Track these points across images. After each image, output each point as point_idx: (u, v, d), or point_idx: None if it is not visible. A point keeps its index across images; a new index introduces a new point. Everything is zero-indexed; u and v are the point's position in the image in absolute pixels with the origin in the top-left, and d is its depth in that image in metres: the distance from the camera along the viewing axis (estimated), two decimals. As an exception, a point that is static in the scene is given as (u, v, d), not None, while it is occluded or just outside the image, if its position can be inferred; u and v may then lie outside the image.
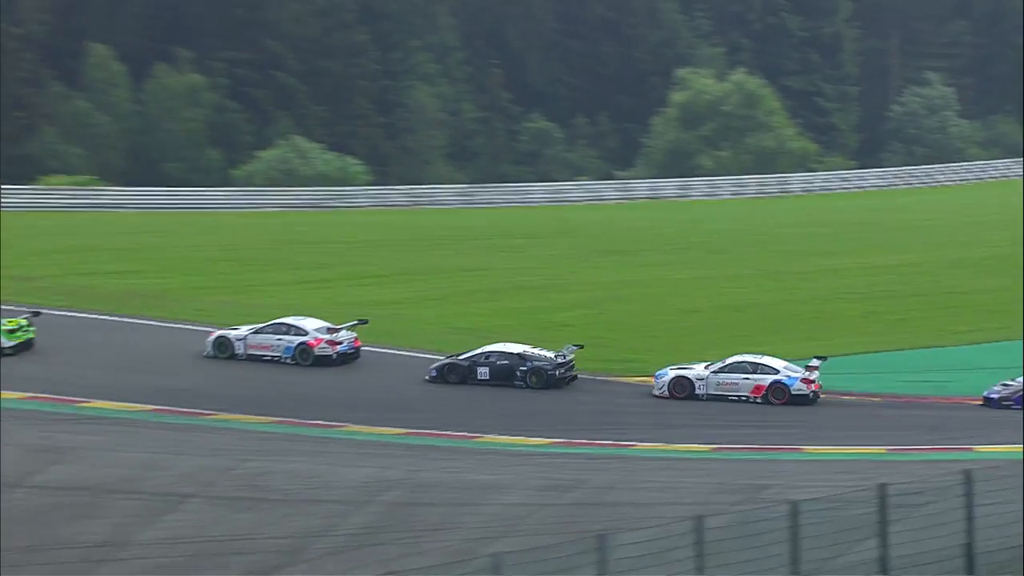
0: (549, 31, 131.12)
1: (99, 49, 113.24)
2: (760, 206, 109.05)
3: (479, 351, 59.06)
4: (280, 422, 52.44)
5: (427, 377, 58.67)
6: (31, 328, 59.68)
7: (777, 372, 57.63)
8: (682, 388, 57.69)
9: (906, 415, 54.82)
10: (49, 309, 64.73)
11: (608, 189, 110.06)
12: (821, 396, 57.47)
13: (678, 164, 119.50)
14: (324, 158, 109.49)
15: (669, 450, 50.41)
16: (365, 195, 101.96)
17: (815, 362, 57.92)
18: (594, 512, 42.03)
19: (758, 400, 57.24)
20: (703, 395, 57.61)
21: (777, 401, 57.07)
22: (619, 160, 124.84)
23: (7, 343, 59.07)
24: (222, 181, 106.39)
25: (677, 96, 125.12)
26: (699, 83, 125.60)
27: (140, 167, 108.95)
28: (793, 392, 57.16)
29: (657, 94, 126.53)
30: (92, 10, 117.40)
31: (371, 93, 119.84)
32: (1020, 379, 56.74)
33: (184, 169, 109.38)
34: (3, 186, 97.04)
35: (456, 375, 58.61)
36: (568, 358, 58.92)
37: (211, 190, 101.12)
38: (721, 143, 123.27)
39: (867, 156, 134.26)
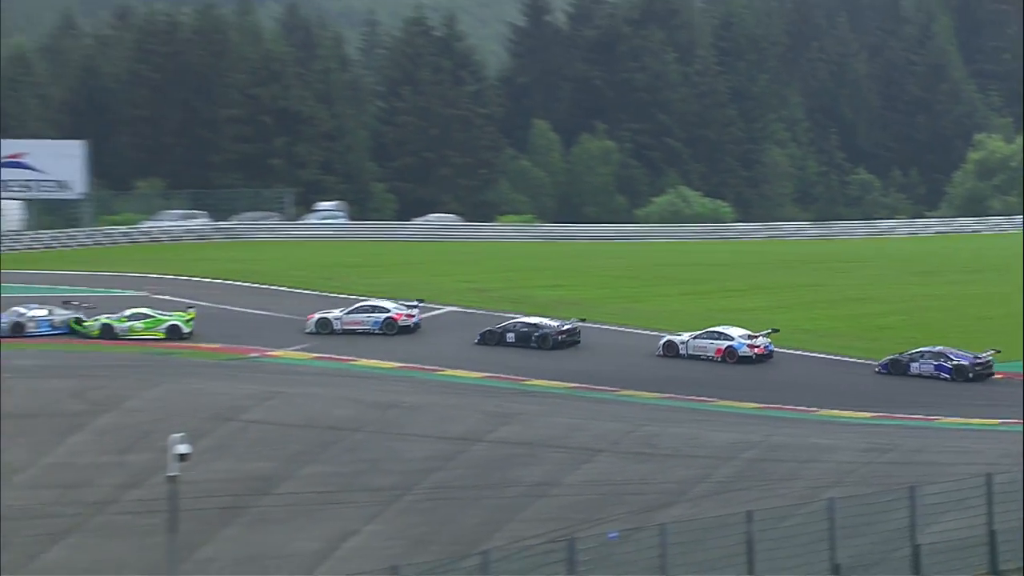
0: (875, 107, 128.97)
1: (540, 124, 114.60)
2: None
3: (508, 322, 60.13)
4: (666, 397, 52.24)
5: (475, 341, 59.50)
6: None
7: (732, 339, 57.80)
8: (671, 349, 58.31)
9: None
10: (496, 312, 65.36)
11: (917, 226, 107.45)
12: (771, 358, 57.66)
13: (973, 207, 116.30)
14: (701, 202, 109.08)
15: (966, 423, 48.94)
16: (732, 230, 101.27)
17: (765, 332, 58.37)
18: (906, 469, 40.98)
19: (718, 360, 57.43)
20: (685, 355, 57.91)
21: (730, 360, 57.30)
22: (926, 203, 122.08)
23: (186, 330, 59.76)
24: (627, 220, 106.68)
25: (974, 155, 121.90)
26: (992, 145, 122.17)
27: (567, 209, 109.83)
28: (740, 354, 57.41)
29: (958, 153, 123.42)
30: (536, 96, 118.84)
31: (737, 154, 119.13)
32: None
33: (599, 211, 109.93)
34: (471, 222, 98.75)
35: (493, 339, 59.31)
36: (567, 327, 59.50)
37: (618, 226, 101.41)
38: (1009, 190, 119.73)
39: None
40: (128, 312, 60.87)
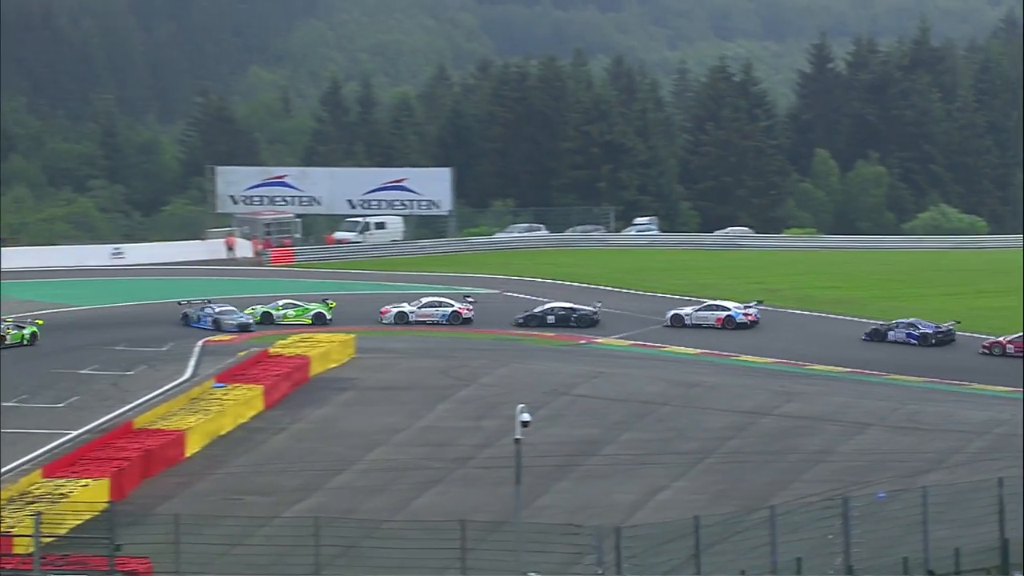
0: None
1: (822, 153, 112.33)
2: None
3: (547, 306, 59.66)
4: (928, 380, 50.66)
5: (515, 323, 58.98)
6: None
7: (729, 310, 59.41)
8: (678, 320, 59.32)
9: None
10: (782, 308, 64.27)
11: None
12: (758, 324, 59.01)
13: None
14: (959, 217, 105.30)
15: None
16: (987, 241, 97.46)
17: (753, 303, 60.31)
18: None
19: (719, 327, 58.41)
20: (690, 324, 58.91)
21: (728, 327, 58.42)
22: None
23: (328, 317, 59.05)
24: (894, 232, 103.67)
25: None
26: None
27: (843, 224, 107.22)
28: (737, 321, 58.82)
29: None
30: (818, 130, 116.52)
31: (992, 177, 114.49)
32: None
33: (870, 225, 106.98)
34: (762, 234, 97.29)
35: (535, 321, 58.73)
36: (596, 309, 59.83)
37: (887, 238, 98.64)
38: None
39: None
40: (282, 302, 60.69)
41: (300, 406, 45.67)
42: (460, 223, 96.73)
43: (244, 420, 44.05)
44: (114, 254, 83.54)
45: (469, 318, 60.61)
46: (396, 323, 60.12)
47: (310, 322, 59.52)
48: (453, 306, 60.98)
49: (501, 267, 79.69)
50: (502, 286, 71.98)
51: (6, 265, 77.69)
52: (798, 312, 64.49)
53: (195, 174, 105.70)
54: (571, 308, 60.39)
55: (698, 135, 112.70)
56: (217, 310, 58.84)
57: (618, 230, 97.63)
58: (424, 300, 61.73)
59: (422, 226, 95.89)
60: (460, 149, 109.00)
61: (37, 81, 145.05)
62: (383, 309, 61.20)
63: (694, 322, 59.28)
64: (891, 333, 56.71)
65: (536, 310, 60.44)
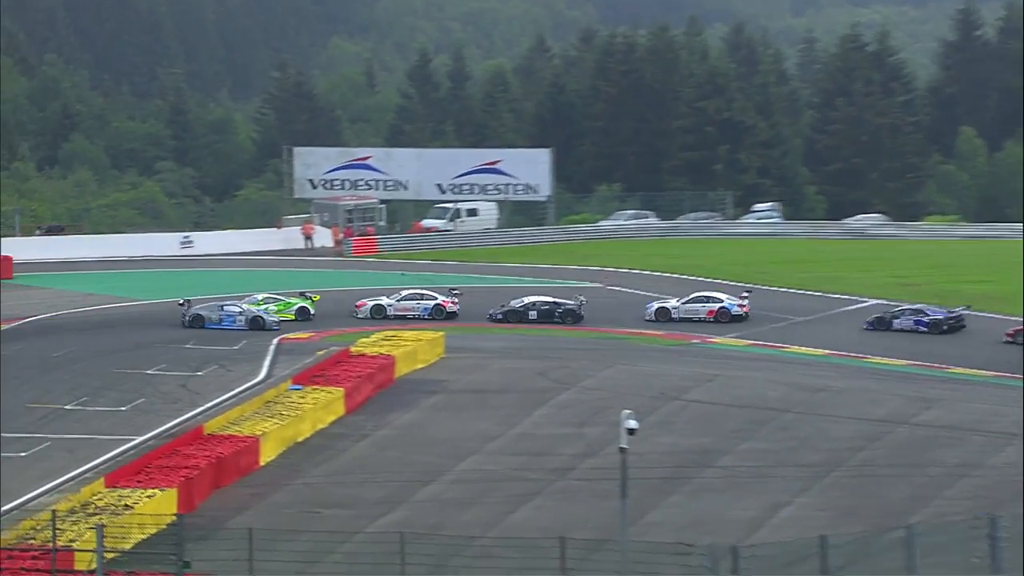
0: None
1: (967, 131, 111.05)
2: None
3: (528, 300, 59.76)
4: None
5: (490, 318, 59.26)
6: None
7: (722, 301, 59.70)
8: (664, 314, 59.42)
9: None
10: (918, 304, 63.48)
11: None
12: (749, 316, 59.48)
13: None
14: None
15: None
16: None
17: (744, 294, 60.77)
18: None
19: (711, 320, 58.86)
20: (677, 318, 59.12)
21: (723, 320, 58.85)
22: None
23: (312, 312, 59.95)
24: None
25: None
26: None
27: (990, 211, 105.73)
28: (732, 314, 59.21)
29: None
30: (963, 105, 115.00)
31: None
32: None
33: (1021, 212, 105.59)
34: (895, 221, 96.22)
35: (515, 317, 58.78)
36: (579, 303, 59.90)
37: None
38: None
39: None
40: (261, 296, 60.99)
41: (384, 410, 45.97)
42: (560, 210, 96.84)
43: (323, 426, 44.44)
44: (183, 243, 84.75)
45: (454, 312, 60.85)
46: (372, 317, 60.03)
47: (293, 317, 60.07)
48: (436, 299, 61.18)
49: (605, 258, 79.61)
50: (606, 279, 71.86)
51: (67, 254, 79.29)
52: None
53: (271, 156, 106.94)
54: (555, 302, 60.47)
55: (826, 112, 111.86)
56: (242, 307, 59.41)
57: (736, 217, 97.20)
58: (404, 293, 62.09)
59: (518, 213, 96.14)
60: (560, 128, 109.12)
61: (100, 54, 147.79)
62: (358, 303, 61.59)
63: (682, 315, 59.30)
64: (896, 321, 57.51)
65: (516, 304, 60.43)
